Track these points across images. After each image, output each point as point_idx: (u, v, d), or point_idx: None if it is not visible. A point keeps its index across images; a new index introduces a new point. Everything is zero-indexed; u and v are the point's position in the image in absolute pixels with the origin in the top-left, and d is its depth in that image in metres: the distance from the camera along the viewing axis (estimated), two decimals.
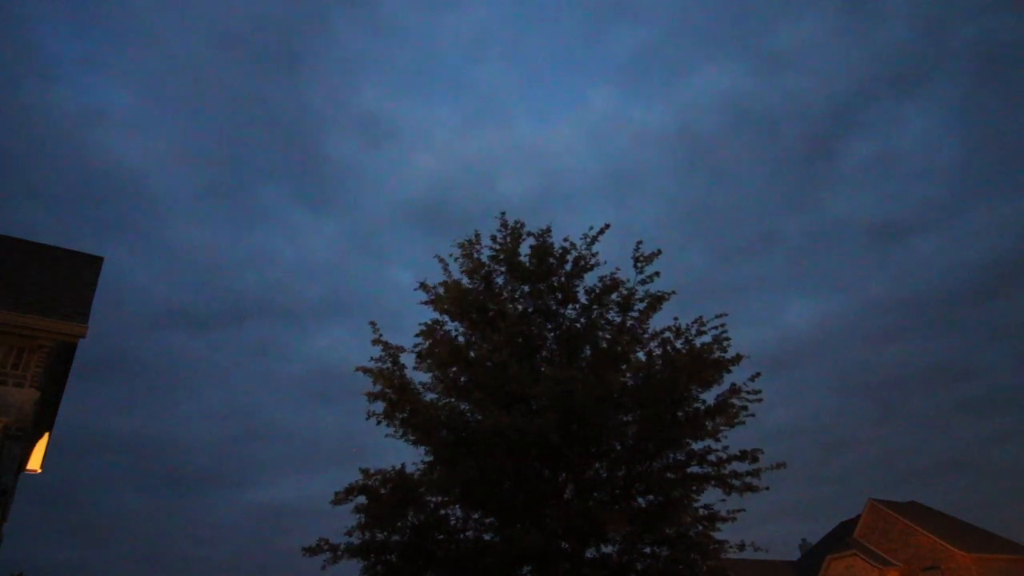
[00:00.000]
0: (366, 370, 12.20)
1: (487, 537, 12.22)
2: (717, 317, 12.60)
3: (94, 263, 10.71)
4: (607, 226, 13.44)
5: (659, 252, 13.15)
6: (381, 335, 12.48)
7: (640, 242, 13.25)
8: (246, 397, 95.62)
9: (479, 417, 11.84)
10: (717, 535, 12.00)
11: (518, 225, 13.58)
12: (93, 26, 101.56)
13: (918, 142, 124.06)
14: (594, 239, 13.41)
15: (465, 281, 13.33)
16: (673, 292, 13.09)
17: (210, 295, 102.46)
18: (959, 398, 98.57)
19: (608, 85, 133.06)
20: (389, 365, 12.40)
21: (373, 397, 12.23)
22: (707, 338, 12.46)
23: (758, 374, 12.18)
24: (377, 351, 12.42)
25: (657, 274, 13.07)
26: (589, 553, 11.80)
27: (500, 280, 13.47)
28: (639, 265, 13.18)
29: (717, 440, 12.13)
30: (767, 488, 11.80)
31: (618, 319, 13.16)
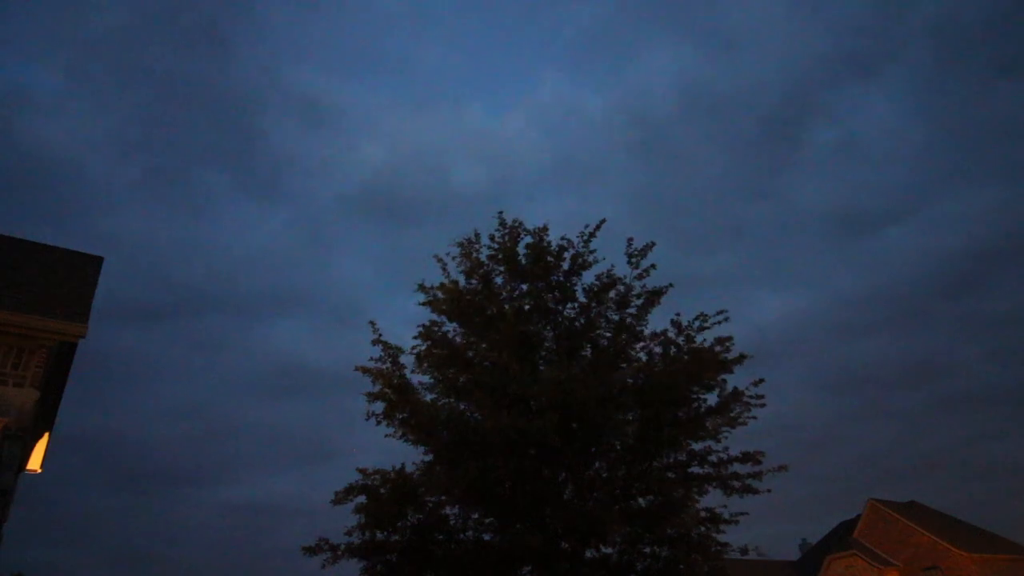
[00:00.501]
0: (366, 370, 12.18)
1: (487, 537, 12.21)
2: (719, 313, 12.59)
3: (94, 263, 10.70)
4: (603, 221, 13.43)
5: (653, 244, 13.14)
6: (381, 335, 12.48)
7: (631, 239, 13.26)
8: (204, 393, 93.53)
9: (479, 417, 11.83)
10: (719, 537, 11.99)
11: (516, 224, 13.56)
12: (11, 4, 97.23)
13: (882, 127, 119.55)
14: (591, 236, 13.40)
15: (463, 281, 13.31)
16: (670, 285, 13.07)
17: (158, 288, 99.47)
18: (940, 395, 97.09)
19: (557, 69, 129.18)
20: (389, 365, 12.39)
21: (373, 397, 12.22)
22: (709, 334, 12.47)
23: (762, 380, 12.16)
24: (377, 351, 12.43)
25: (653, 266, 13.05)
26: (589, 553, 11.79)
27: (499, 280, 13.45)
28: (633, 260, 13.16)
29: (718, 441, 12.13)
30: (769, 491, 11.80)
31: (616, 316, 13.15)
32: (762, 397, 12.15)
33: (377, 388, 12.20)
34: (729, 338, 12.36)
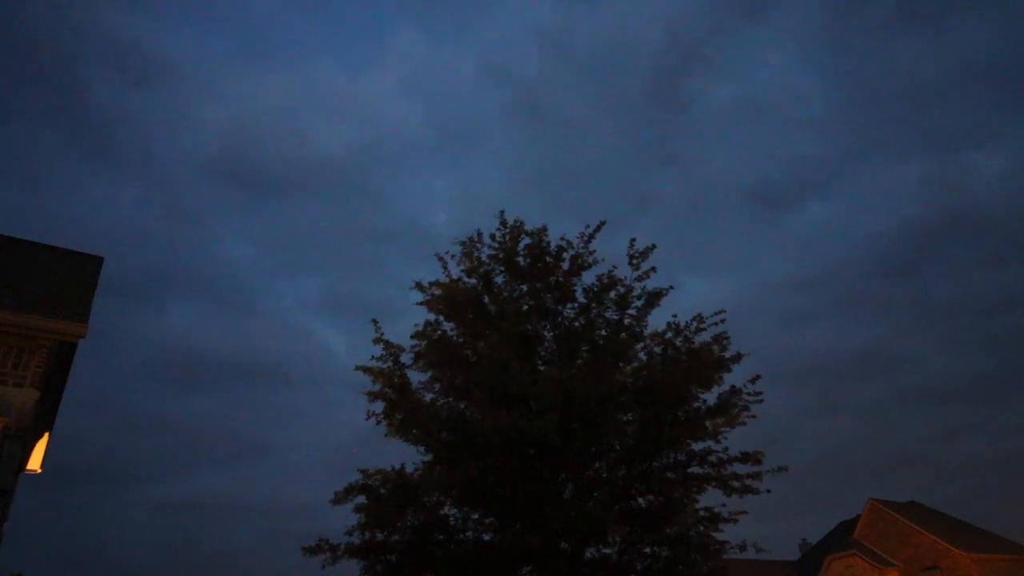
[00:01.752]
0: (366, 369, 12.18)
1: (487, 537, 12.21)
2: (716, 314, 12.60)
3: (94, 263, 10.70)
4: (603, 222, 13.43)
5: (653, 247, 13.15)
6: (383, 334, 12.48)
7: (634, 239, 13.26)
8: (104, 382, 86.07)
9: (479, 417, 11.83)
10: (718, 536, 12.00)
11: (517, 224, 13.57)
12: None
13: (784, 88, 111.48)
14: (591, 237, 13.40)
15: (464, 280, 13.31)
16: (671, 287, 13.08)
17: None
18: (897, 389, 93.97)
19: (406, 18, 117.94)
20: (390, 364, 12.39)
21: (373, 396, 12.22)
22: (706, 335, 12.47)
23: (758, 376, 12.17)
24: (378, 349, 12.43)
25: (653, 269, 13.06)
26: (589, 553, 11.79)
27: (499, 280, 13.45)
28: (635, 262, 13.17)
29: (717, 441, 12.12)
30: (768, 491, 11.80)
31: (616, 317, 13.15)
32: (760, 394, 12.16)
33: (377, 387, 12.20)
34: (726, 336, 12.38)
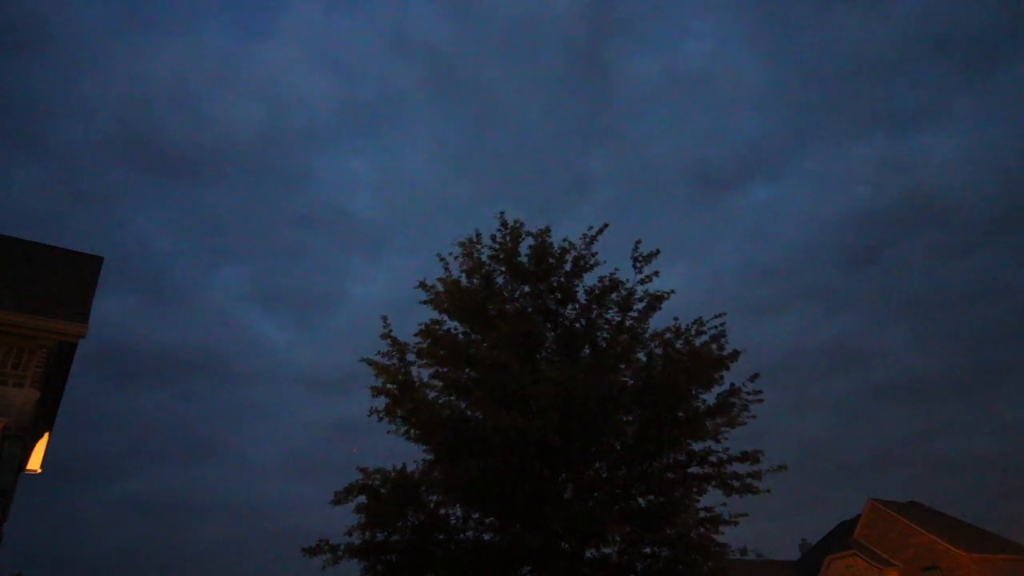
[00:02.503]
0: (371, 362, 12.20)
1: (487, 537, 12.22)
2: (716, 316, 12.61)
3: (94, 263, 10.70)
4: (606, 225, 13.45)
5: (657, 252, 13.16)
6: (391, 330, 12.50)
7: (639, 241, 13.27)
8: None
9: (479, 416, 11.83)
10: (719, 537, 11.99)
11: (517, 224, 13.59)
12: None
13: (715, 61, 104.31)
14: (593, 239, 13.41)
15: (464, 280, 13.32)
16: (672, 291, 13.09)
17: None
18: (870, 384, 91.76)
19: None
20: (396, 361, 12.40)
21: (376, 392, 12.23)
22: (706, 337, 12.46)
23: (757, 375, 12.19)
24: (384, 345, 12.47)
25: (656, 273, 13.07)
26: (589, 553, 11.79)
27: (500, 280, 13.46)
28: (638, 265, 13.18)
29: (717, 441, 12.12)
30: (768, 490, 11.80)
31: (618, 319, 13.16)
32: (759, 393, 12.17)
33: (380, 383, 12.22)
34: (724, 335, 12.38)
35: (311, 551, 11.22)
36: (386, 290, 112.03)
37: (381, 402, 12.26)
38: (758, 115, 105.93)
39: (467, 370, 12.54)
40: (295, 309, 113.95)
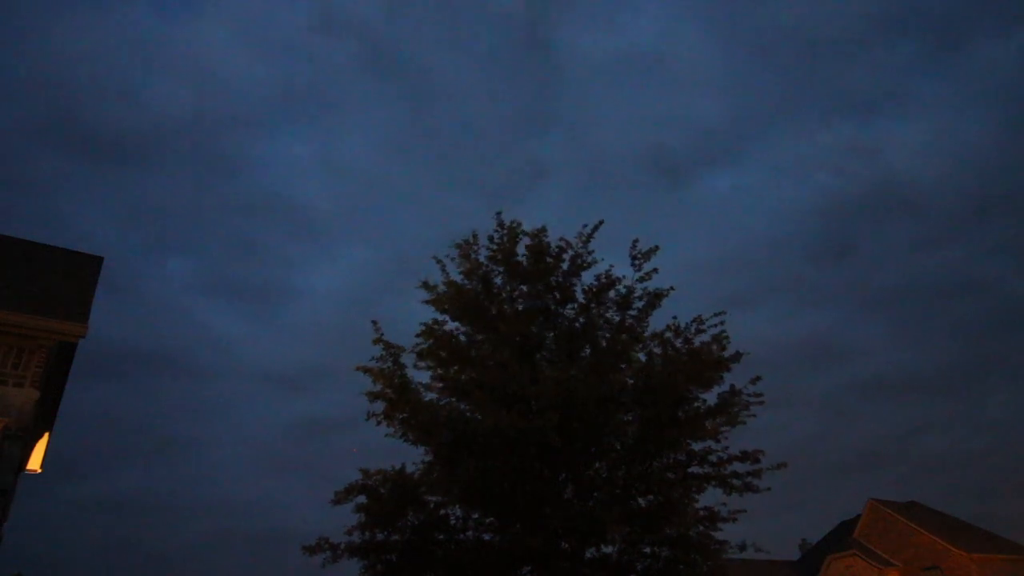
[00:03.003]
0: (366, 369, 12.18)
1: (487, 537, 12.21)
2: (716, 315, 12.61)
3: (94, 263, 10.71)
4: (601, 222, 13.44)
5: (657, 248, 13.16)
6: (383, 335, 12.48)
7: (636, 240, 13.27)
8: None
9: (479, 416, 11.84)
10: (718, 535, 12.00)
11: (515, 225, 13.59)
12: None
13: (666, 41, 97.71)
14: (589, 237, 13.41)
15: (463, 282, 13.31)
16: (672, 288, 13.08)
17: None
18: (852, 381, 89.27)
19: None
20: (390, 364, 12.39)
21: (373, 396, 12.22)
22: (706, 336, 12.46)
23: (759, 377, 12.16)
24: (378, 350, 12.42)
25: (656, 271, 13.06)
26: (589, 553, 11.79)
27: (498, 281, 13.46)
28: (637, 262, 13.17)
29: (717, 441, 12.12)
30: (768, 489, 11.80)
31: (617, 317, 13.15)
32: (760, 395, 12.16)
33: (378, 388, 12.20)
34: (725, 336, 12.37)
35: (311, 549, 11.23)
36: (343, 283, 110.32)
37: (379, 406, 12.25)
38: (715, 100, 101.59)
39: (467, 371, 12.54)
40: (248, 302, 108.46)
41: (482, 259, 13.39)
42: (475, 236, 13.48)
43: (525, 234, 13.42)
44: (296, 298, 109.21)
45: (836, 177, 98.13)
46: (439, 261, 13.33)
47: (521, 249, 13.35)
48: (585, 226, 13.43)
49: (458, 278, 13.25)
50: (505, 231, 13.46)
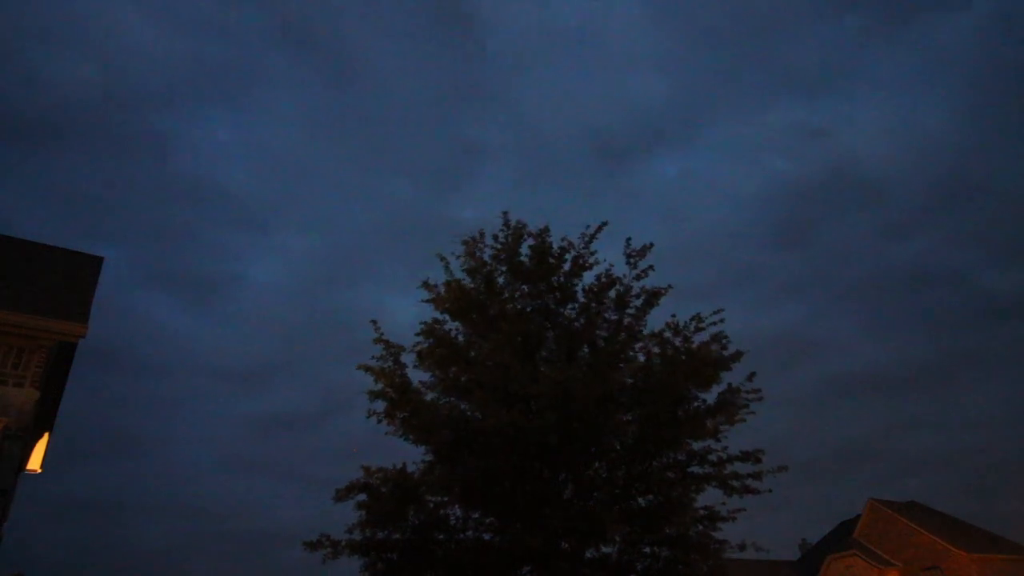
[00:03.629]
0: (367, 368, 12.20)
1: (487, 537, 12.21)
2: (715, 313, 12.61)
3: (94, 263, 10.71)
4: (605, 223, 13.46)
5: (651, 246, 13.17)
6: (383, 334, 12.49)
7: (630, 239, 13.28)
8: None
9: (479, 416, 11.84)
10: (717, 535, 12.00)
11: (520, 224, 13.61)
12: None
13: (596, 17, 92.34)
14: (591, 238, 13.42)
15: (466, 280, 13.32)
16: (670, 287, 13.09)
17: None
18: (826, 377, 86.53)
19: None
20: (391, 364, 12.40)
21: (374, 396, 12.23)
22: (705, 335, 12.47)
23: (754, 374, 12.18)
24: (378, 349, 12.44)
25: (651, 268, 13.06)
26: (589, 553, 11.79)
27: (501, 280, 13.47)
28: (632, 260, 13.17)
29: (717, 440, 12.12)
30: (769, 490, 11.79)
31: (615, 317, 13.15)
32: (759, 391, 12.17)
33: (379, 387, 12.22)
34: (725, 335, 12.38)
35: (312, 545, 11.25)
36: (285, 274, 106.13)
37: (379, 405, 12.26)
38: (654, 79, 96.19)
39: (468, 370, 12.54)
40: (188, 295, 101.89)
41: (486, 258, 13.41)
42: (481, 234, 13.52)
43: (530, 234, 13.44)
44: (238, 290, 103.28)
45: (789, 161, 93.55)
46: (443, 258, 13.35)
47: (525, 249, 13.37)
48: (588, 226, 13.48)
49: (461, 275, 13.27)
50: (510, 231, 13.48)
